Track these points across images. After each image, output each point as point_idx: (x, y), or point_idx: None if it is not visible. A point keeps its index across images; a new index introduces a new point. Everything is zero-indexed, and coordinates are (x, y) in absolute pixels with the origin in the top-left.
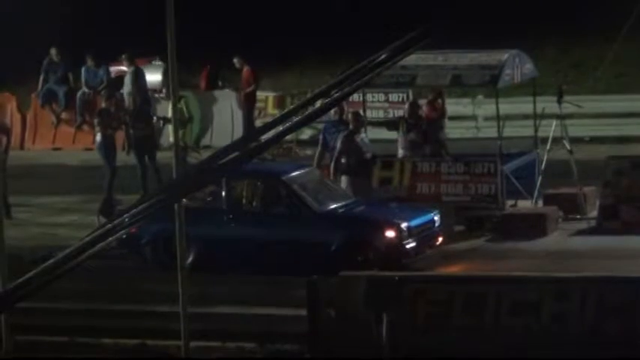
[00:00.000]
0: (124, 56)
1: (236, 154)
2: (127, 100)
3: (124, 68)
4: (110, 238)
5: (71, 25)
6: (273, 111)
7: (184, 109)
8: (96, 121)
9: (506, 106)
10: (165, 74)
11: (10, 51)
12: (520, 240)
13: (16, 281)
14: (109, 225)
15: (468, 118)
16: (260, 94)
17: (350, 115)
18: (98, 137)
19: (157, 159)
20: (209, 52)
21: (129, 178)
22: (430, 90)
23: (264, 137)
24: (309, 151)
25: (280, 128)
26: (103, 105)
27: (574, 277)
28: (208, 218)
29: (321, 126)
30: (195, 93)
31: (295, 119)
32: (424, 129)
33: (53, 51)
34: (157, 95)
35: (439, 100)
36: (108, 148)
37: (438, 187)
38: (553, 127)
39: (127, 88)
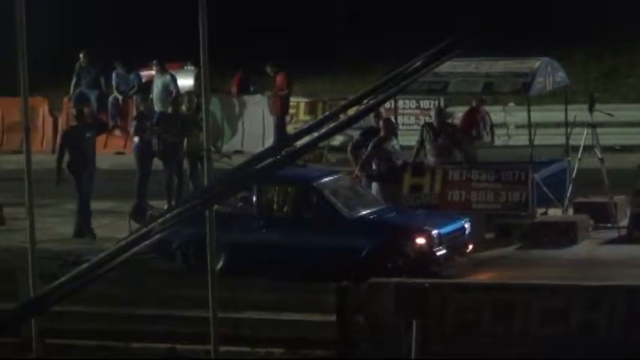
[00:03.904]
0: (154, 62)
1: (271, 160)
2: (156, 105)
3: (154, 73)
4: (144, 243)
5: (102, 29)
6: (304, 117)
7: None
8: (133, 124)
9: (538, 114)
10: (197, 79)
11: (42, 54)
12: (550, 248)
13: (49, 285)
14: (144, 229)
15: (500, 126)
16: (292, 100)
17: (381, 122)
18: (136, 140)
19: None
20: (241, 57)
21: (160, 183)
22: (472, 98)
23: (298, 143)
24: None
25: (315, 135)
26: (141, 108)
27: (604, 286)
28: (239, 223)
29: (352, 132)
30: (227, 98)
31: (329, 126)
32: (452, 133)
33: (81, 55)
34: None
35: (482, 109)
36: (144, 152)
37: (469, 195)
38: (584, 136)
39: (156, 92)
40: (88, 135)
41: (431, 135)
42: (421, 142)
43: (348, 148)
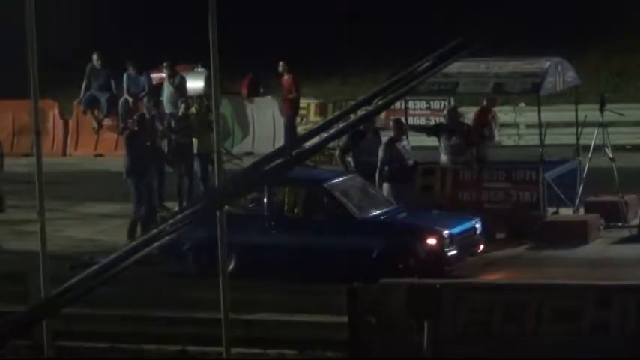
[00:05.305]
0: (165, 64)
1: (280, 160)
2: (166, 107)
3: (165, 75)
4: (154, 245)
5: (112, 31)
6: (314, 118)
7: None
8: None
9: (548, 114)
10: (207, 81)
11: (52, 57)
12: (561, 248)
13: (60, 287)
14: (155, 231)
15: (510, 126)
16: (302, 101)
17: (391, 123)
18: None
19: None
20: (251, 59)
21: (170, 185)
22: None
23: (308, 144)
24: (349, 158)
25: (324, 135)
26: (153, 112)
27: (615, 285)
28: (250, 225)
29: None
30: (237, 100)
31: (338, 127)
32: (466, 132)
33: (95, 57)
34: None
35: (493, 110)
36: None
37: (480, 195)
38: (595, 135)
39: (166, 94)
40: (148, 143)
41: (445, 134)
42: (435, 128)
43: (337, 153)
